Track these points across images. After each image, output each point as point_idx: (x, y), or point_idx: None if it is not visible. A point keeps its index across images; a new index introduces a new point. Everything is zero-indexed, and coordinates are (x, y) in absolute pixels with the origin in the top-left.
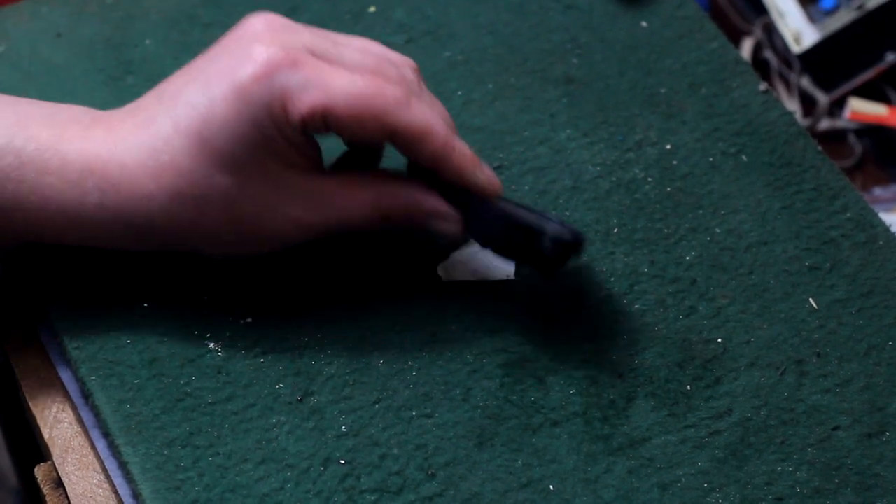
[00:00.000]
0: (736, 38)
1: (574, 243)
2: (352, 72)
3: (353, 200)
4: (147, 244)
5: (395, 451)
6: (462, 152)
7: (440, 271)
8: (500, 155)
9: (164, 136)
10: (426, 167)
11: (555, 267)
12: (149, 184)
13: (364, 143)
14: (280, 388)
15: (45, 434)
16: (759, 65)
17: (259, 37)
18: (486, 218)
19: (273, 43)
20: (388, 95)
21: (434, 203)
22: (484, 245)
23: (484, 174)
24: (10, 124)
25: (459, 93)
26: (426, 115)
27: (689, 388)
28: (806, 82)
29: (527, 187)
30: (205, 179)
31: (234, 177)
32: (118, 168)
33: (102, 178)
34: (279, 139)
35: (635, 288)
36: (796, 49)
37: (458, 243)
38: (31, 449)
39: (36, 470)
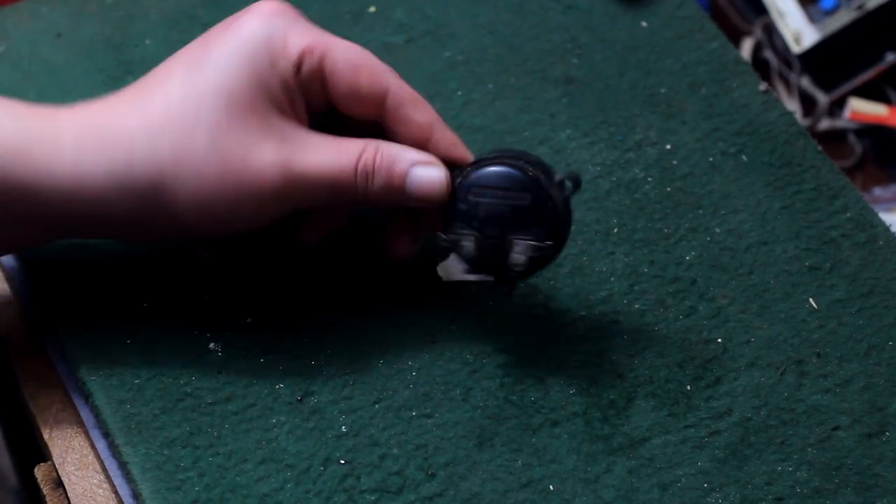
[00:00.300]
0: (736, 38)
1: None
2: None
3: (339, 150)
4: (126, 202)
5: (395, 451)
6: (452, 130)
7: (440, 271)
8: None
9: (156, 81)
10: (418, 140)
11: (566, 208)
12: (133, 120)
13: (357, 106)
14: (280, 388)
15: (45, 434)
16: (759, 65)
17: (264, 2)
18: (489, 170)
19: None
20: (382, 63)
21: (416, 153)
22: (479, 214)
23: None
24: None
25: (459, 93)
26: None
27: (689, 388)
28: (806, 82)
29: None
30: (193, 111)
31: (223, 108)
32: (101, 114)
33: (82, 126)
34: (272, 78)
35: (635, 288)
36: (796, 49)
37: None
38: (31, 449)
39: (36, 470)
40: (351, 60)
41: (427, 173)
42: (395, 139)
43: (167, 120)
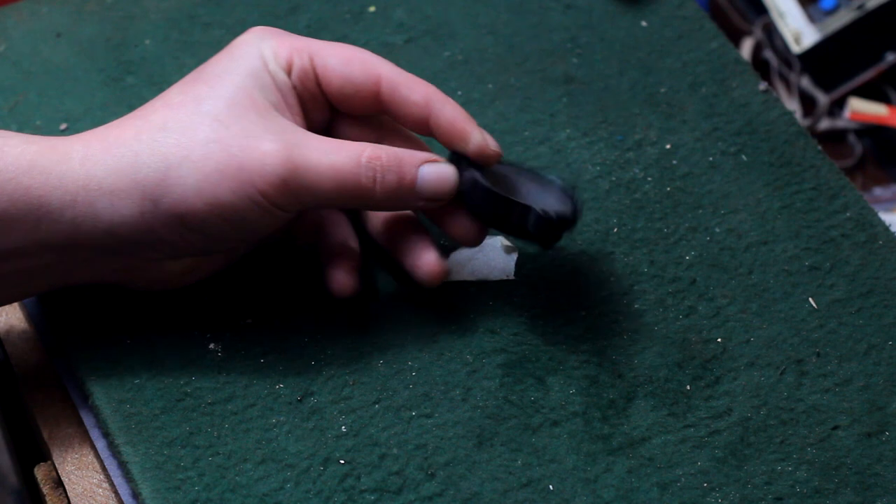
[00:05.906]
0: (736, 38)
1: (561, 222)
2: None
3: (340, 147)
4: (134, 201)
5: (395, 450)
6: (455, 105)
7: None
8: None
9: (155, 99)
10: (419, 121)
11: (547, 242)
12: (136, 122)
13: (354, 97)
14: (280, 388)
15: (45, 434)
16: (759, 65)
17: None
18: (476, 189)
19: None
20: (375, 55)
21: (422, 153)
22: (479, 215)
23: (480, 131)
24: None
25: (459, 93)
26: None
27: (688, 387)
28: (806, 82)
29: None
30: (193, 110)
31: (222, 107)
32: (105, 128)
33: (89, 138)
34: (266, 77)
35: (635, 288)
36: (796, 49)
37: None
38: (31, 449)
39: (36, 470)
40: (341, 55)
41: (437, 169)
42: (402, 127)
43: (169, 119)
